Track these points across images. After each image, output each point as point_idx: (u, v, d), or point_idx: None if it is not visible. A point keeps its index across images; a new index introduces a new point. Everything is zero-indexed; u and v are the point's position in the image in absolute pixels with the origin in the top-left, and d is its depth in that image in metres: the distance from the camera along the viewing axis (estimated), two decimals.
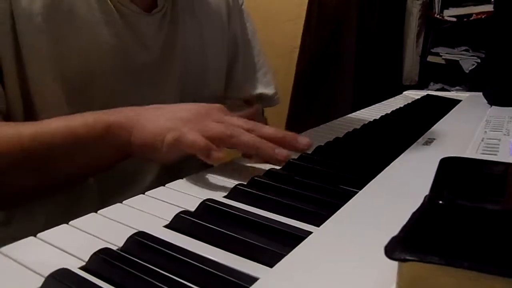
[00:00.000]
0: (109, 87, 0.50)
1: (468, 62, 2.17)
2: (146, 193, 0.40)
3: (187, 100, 0.54)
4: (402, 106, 0.92)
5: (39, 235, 0.32)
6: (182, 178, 0.45)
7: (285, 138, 0.47)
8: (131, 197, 0.39)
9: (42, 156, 0.46)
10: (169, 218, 0.35)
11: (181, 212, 0.35)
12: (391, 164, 0.46)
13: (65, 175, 0.49)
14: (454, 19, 2.23)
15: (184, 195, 0.41)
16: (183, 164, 0.63)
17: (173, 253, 0.29)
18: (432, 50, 2.33)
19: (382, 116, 0.79)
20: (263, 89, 0.81)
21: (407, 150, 0.51)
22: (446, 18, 2.25)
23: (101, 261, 0.28)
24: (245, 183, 0.43)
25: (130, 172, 0.63)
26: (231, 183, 0.43)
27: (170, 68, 0.65)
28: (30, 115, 0.54)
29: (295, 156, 0.51)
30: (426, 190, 0.30)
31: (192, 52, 0.68)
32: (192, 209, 0.37)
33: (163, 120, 0.46)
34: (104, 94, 0.57)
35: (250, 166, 0.49)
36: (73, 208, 0.58)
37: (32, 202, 0.56)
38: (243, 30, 0.79)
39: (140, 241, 0.31)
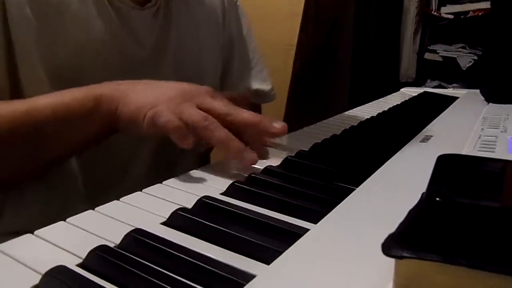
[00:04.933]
0: (100, 81, 0.51)
1: (465, 59, 2.17)
2: (143, 190, 0.40)
3: None
4: (399, 103, 0.92)
5: (36, 232, 0.32)
6: (175, 176, 0.44)
7: (261, 123, 0.47)
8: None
9: (29, 134, 0.46)
10: (166, 215, 0.35)
11: (178, 209, 0.35)
12: (388, 161, 0.46)
13: (53, 153, 0.49)
14: (451, 16, 2.24)
15: (181, 192, 0.40)
16: (174, 162, 0.63)
17: (170, 250, 0.29)
18: (429, 47, 2.33)
19: (379, 113, 0.79)
20: (259, 85, 0.81)
21: (404, 147, 0.51)
22: (443, 15, 2.26)
23: (99, 258, 0.28)
24: (242, 180, 0.43)
25: (117, 169, 0.63)
26: (228, 180, 0.42)
27: (162, 64, 0.64)
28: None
29: (291, 153, 0.51)
30: (423, 187, 0.30)
31: (186, 49, 0.68)
32: (189, 206, 0.37)
33: (148, 96, 0.46)
34: None
35: None
36: (60, 207, 0.57)
37: (19, 185, 0.55)
38: (239, 27, 0.79)
39: (137, 238, 0.31)
